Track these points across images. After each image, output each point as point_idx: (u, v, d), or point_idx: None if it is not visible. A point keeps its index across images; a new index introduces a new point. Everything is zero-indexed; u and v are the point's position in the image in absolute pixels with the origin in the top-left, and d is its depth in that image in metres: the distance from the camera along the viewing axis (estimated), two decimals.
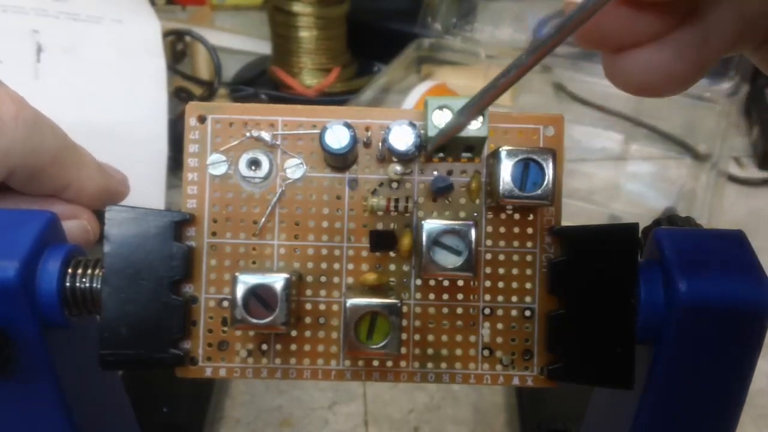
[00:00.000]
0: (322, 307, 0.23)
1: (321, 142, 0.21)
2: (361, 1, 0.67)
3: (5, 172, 0.27)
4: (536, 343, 0.23)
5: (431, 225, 0.21)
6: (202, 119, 0.23)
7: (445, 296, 0.23)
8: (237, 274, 0.21)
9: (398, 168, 0.22)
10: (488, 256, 0.23)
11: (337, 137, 0.21)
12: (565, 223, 0.23)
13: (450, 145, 0.22)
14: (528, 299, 0.23)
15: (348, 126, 0.21)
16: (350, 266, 0.23)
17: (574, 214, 0.49)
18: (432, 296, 0.23)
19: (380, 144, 0.22)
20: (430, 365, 0.23)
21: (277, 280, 0.21)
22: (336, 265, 0.23)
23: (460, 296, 0.23)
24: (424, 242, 0.21)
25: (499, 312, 0.23)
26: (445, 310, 0.23)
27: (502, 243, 0.23)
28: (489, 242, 0.23)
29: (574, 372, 0.22)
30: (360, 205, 0.23)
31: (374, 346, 0.21)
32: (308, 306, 0.23)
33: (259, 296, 0.20)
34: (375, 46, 0.68)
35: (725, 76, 0.62)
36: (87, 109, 0.46)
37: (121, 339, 0.21)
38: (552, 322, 0.22)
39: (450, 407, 0.42)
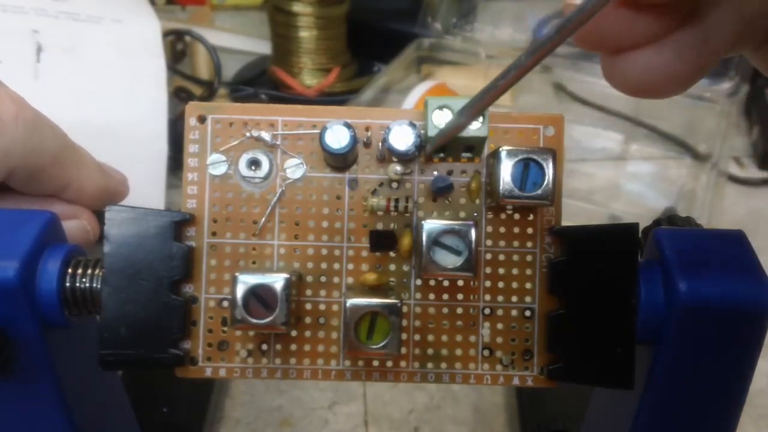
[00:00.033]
0: (322, 307, 0.23)
1: (321, 142, 0.21)
2: (361, 1, 0.67)
3: (5, 172, 0.27)
4: (536, 343, 0.23)
5: (431, 225, 0.21)
6: (202, 119, 0.23)
7: (445, 296, 0.23)
8: (237, 274, 0.21)
9: (398, 168, 0.22)
10: (488, 256, 0.23)
11: (337, 137, 0.21)
12: (565, 223, 0.23)
13: (450, 145, 0.22)
14: (528, 299, 0.23)
15: (348, 126, 0.21)
16: (350, 266, 0.23)
17: (574, 214, 0.49)
18: (432, 296, 0.23)
19: (380, 144, 0.22)
20: (430, 365, 0.23)
21: (277, 280, 0.21)
22: (336, 265, 0.23)
23: (460, 296, 0.23)
24: (424, 242, 0.21)
25: (499, 312, 0.23)
26: (445, 310, 0.23)
27: (502, 243, 0.23)
28: (489, 242, 0.23)
29: (574, 372, 0.22)
30: (360, 205, 0.23)
31: (374, 346, 0.21)
32: (308, 306, 0.23)
33: (259, 296, 0.20)
34: (375, 46, 0.68)
35: (725, 76, 0.62)
36: (87, 109, 0.46)
37: (121, 339, 0.21)
38: (552, 322, 0.22)
39: (450, 407, 0.42)
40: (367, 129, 0.23)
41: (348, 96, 0.63)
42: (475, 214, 0.23)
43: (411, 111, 0.23)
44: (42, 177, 0.28)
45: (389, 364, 0.23)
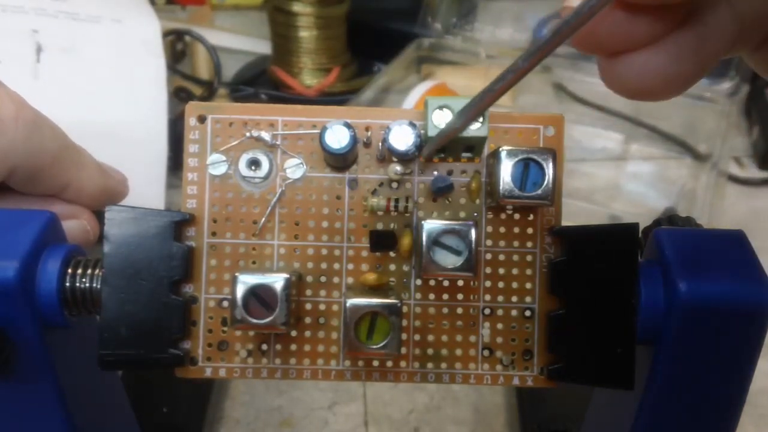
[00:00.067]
0: (322, 307, 0.23)
1: (321, 142, 0.21)
2: (361, 1, 0.67)
3: (5, 172, 0.27)
4: (536, 343, 0.23)
5: (431, 225, 0.21)
6: (202, 119, 0.23)
7: (445, 296, 0.23)
8: (237, 274, 0.21)
9: (398, 168, 0.22)
10: (488, 256, 0.23)
11: (337, 137, 0.21)
12: (565, 223, 0.23)
13: (450, 145, 0.22)
14: (528, 299, 0.23)
15: (348, 126, 0.21)
16: (350, 266, 0.23)
17: (575, 214, 0.49)
18: (432, 296, 0.23)
19: (380, 144, 0.22)
20: (430, 365, 0.23)
21: (277, 280, 0.21)
22: (336, 265, 0.23)
23: (460, 296, 0.23)
24: (424, 242, 0.21)
25: (499, 312, 0.23)
26: (445, 310, 0.23)
27: (502, 243, 0.23)
28: (489, 242, 0.23)
29: (574, 372, 0.22)
30: (360, 205, 0.23)
31: (374, 346, 0.21)
32: (308, 306, 0.23)
33: (259, 296, 0.20)
34: (375, 46, 0.68)
35: (725, 76, 0.62)
36: (87, 109, 0.46)
37: (121, 339, 0.21)
38: (552, 322, 0.22)
39: (450, 407, 0.42)
40: (367, 129, 0.23)
41: (348, 96, 0.63)
42: (475, 214, 0.23)
43: (411, 111, 0.23)
44: (42, 177, 0.28)
45: (389, 364, 0.23)
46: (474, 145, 0.22)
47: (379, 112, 0.23)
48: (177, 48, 0.67)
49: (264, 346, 0.23)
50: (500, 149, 0.21)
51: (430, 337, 0.23)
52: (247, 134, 0.23)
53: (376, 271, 0.23)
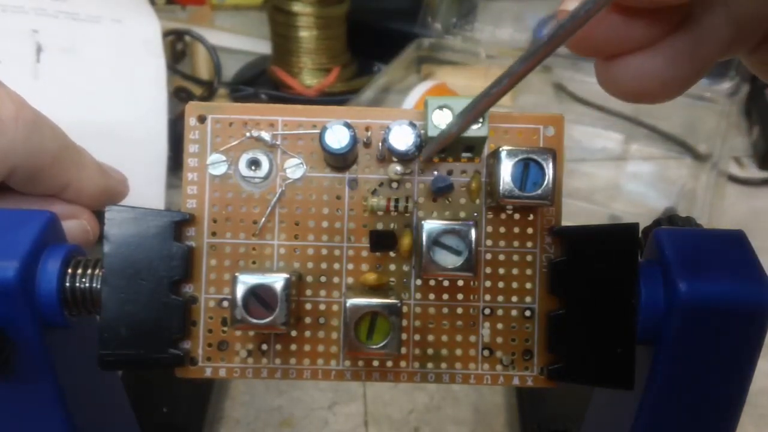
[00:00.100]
0: (322, 307, 0.23)
1: (321, 142, 0.21)
2: (361, 1, 0.67)
3: (5, 172, 0.27)
4: (536, 343, 0.23)
5: (431, 225, 0.21)
6: (201, 119, 0.23)
7: (445, 296, 0.23)
8: (237, 274, 0.21)
9: (398, 168, 0.22)
10: (488, 256, 0.23)
11: (337, 137, 0.21)
12: (565, 223, 0.23)
13: (450, 145, 0.22)
14: (528, 299, 0.23)
15: (348, 126, 0.21)
16: (350, 266, 0.23)
17: (575, 214, 0.49)
18: (432, 296, 0.23)
19: (380, 144, 0.22)
20: (430, 365, 0.23)
21: (277, 280, 0.21)
22: (336, 265, 0.23)
23: (460, 296, 0.23)
24: (424, 242, 0.21)
25: (499, 312, 0.23)
26: (445, 310, 0.23)
27: (502, 243, 0.23)
28: (489, 242, 0.23)
29: (574, 372, 0.22)
30: (360, 205, 0.23)
31: (374, 346, 0.21)
32: (308, 306, 0.23)
33: (259, 296, 0.20)
34: (375, 46, 0.68)
35: (725, 76, 0.62)
36: (87, 109, 0.46)
37: (121, 339, 0.21)
38: (552, 322, 0.22)
39: (450, 407, 0.42)
40: (367, 129, 0.23)
41: (348, 96, 0.63)
42: (475, 214, 0.23)
43: (411, 111, 0.23)
44: (42, 177, 0.28)
45: (389, 364, 0.23)
46: (474, 145, 0.22)
47: (379, 112, 0.23)
48: (177, 48, 0.67)
49: (264, 346, 0.23)
50: (500, 149, 0.21)
51: (430, 337, 0.23)
52: (247, 134, 0.23)
53: (376, 271, 0.23)
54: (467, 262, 0.21)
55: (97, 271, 0.22)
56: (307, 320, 0.23)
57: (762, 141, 0.63)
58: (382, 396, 0.42)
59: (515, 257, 0.23)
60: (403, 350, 0.22)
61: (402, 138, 0.22)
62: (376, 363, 0.23)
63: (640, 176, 0.61)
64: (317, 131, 0.22)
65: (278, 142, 0.23)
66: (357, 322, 0.21)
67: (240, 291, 0.20)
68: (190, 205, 0.23)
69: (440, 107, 0.21)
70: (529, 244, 0.23)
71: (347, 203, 0.23)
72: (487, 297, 0.23)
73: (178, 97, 0.58)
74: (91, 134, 0.32)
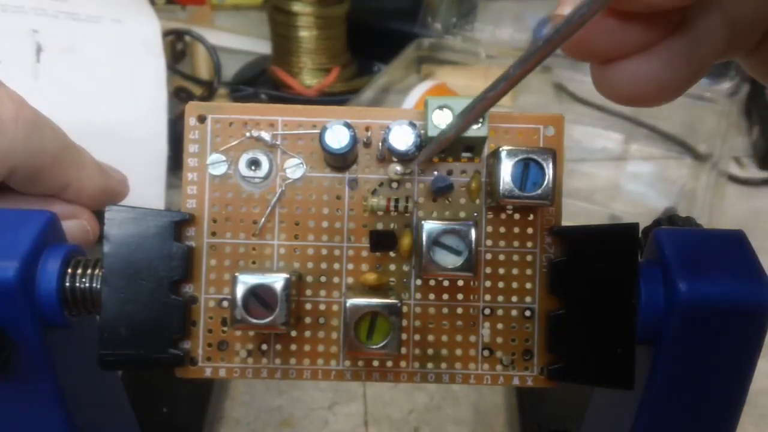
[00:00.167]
0: (322, 307, 0.23)
1: (321, 142, 0.21)
2: (361, 1, 0.67)
3: (5, 172, 0.27)
4: (536, 343, 0.23)
5: (431, 225, 0.21)
6: (201, 119, 0.23)
7: (445, 296, 0.23)
8: (237, 274, 0.21)
9: (398, 168, 0.22)
10: (488, 256, 0.23)
11: (337, 137, 0.21)
12: (565, 223, 0.23)
13: (450, 146, 0.22)
14: (528, 299, 0.23)
15: (348, 126, 0.21)
16: (350, 266, 0.23)
17: (575, 214, 0.49)
18: (432, 296, 0.23)
19: (380, 144, 0.22)
20: (430, 365, 0.23)
21: (277, 280, 0.21)
22: (336, 265, 0.23)
23: (460, 296, 0.23)
24: (424, 242, 0.21)
25: (499, 312, 0.23)
26: (445, 310, 0.23)
27: (502, 243, 0.23)
28: (489, 242, 0.23)
29: (574, 372, 0.22)
30: (360, 205, 0.23)
31: (374, 346, 0.21)
32: (308, 306, 0.23)
33: (259, 296, 0.20)
34: (375, 46, 0.68)
35: (725, 76, 0.62)
36: (87, 109, 0.46)
37: (121, 339, 0.21)
38: (552, 322, 0.22)
39: (450, 407, 0.42)
40: (367, 129, 0.23)
41: (348, 96, 0.63)
42: (475, 214, 0.23)
43: (411, 111, 0.23)
44: (42, 177, 0.28)
45: (389, 364, 0.23)
46: (474, 145, 0.22)
47: (379, 112, 0.23)
48: (177, 48, 0.67)
49: (264, 346, 0.23)
50: (500, 149, 0.21)
51: (430, 337, 0.23)
52: (247, 134, 0.23)
53: (376, 271, 0.23)
54: (467, 262, 0.21)
55: (97, 271, 0.22)
56: (307, 320, 0.23)
57: (762, 141, 0.63)
58: (382, 396, 0.42)
59: (515, 257, 0.23)
60: (403, 350, 0.22)
61: (402, 138, 0.22)
62: (376, 363, 0.23)
63: (640, 176, 0.61)
64: (317, 131, 0.22)
65: (278, 142, 0.23)
66: (357, 322, 0.21)
67: (240, 291, 0.20)
68: (190, 205, 0.23)
69: (440, 107, 0.21)
70: (529, 244, 0.23)
71: (347, 203, 0.23)
72: (487, 297, 0.23)
73: (178, 97, 0.58)
74: (91, 134, 0.32)
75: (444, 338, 0.23)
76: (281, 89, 0.65)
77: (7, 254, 0.21)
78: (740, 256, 0.21)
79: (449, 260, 0.21)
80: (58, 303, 0.21)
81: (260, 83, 0.67)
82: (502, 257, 0.23)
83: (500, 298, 0.23)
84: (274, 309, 0.20)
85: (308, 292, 0.23)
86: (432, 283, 0.23)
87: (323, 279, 0.23)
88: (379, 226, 0.23)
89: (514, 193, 0.21)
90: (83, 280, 0.22)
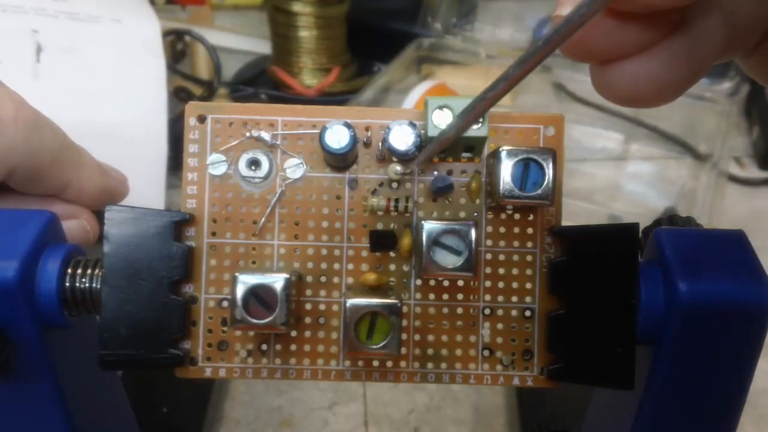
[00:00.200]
0: (322, 307, 0.23)
1: (321, 142, 0.21)
2: (361, 1, 0.67)
3: (5, 172, 0.27)
4: (536, 343, 0.23)
5: (431, 225, 0.21)
6: (201, 119, 0.23)
7: (445, 296, 0.23)
8: (237, 274, 0.21)
9: (398, 168, 0.22)
10: (488, 256, 0.23)
11: (337, 137, 0.21)
12: (565, 222, 0.23)
13: (450, 145, 0.22)
14: (528, 299, 0.23)
15: (348, 126, 0.21)
16: (350, 266, 0.23)
17: (575, 213, 0.49)
18: (432, 296, 0.23)
19: (380, 144, 0.22)
20: (430, 365, 0.23)
21: (276, 280, 0.21)
22: (336, 265, 0.23)
23: (460, 296, 0.23)
24: (424, 242, 0.21)
25: (499, 312, 0.23)
26: (445, 310, 0.23)
27: (502, 243, 0.23)
28: (489, 242, 0.23)
29: (575, 372, 0.22)
30: (360, 205, 0.23)
31: (374, 347, 0.21)
32: (308, 306, 0.23)
33: (259, 296, 0.20)
34: (375, 46, 0.68)
35: (725, 76, 0.62)
36: (87, 109, 0.46)
37: (121, 339, 0.21)
38: (552, 322, 0.22)
39: (450, 408, 0.42)
40: (367, 129, 0.23)
41: (348, 96, 0.63)
42: (475, 214, 0.23)
43: (411, 111, 0.23)
44: (42, 177, 0.28)
45: (389, 364, 0.23)
46: (474, 145, 0.22)
47: (379, 112, 0.23)
48: (177, 48, 0.67)
49: (264, 346, 0.23)
50: (500, 149, 0.21)
51: (430, 337, 0.23)
52: (247, 134, 0.23)
53: (376, 271, 0.23)
54: (467, 262, 0.21)
55: (97, 271, 0.22)
56: (307, 320, 0.23)
57: (762, 141, 0.63)
58: (382, 396, 0.42)
59: (515, 257, 0.23)
60: (403, 350, 0.22)
61: (402, 138, 0.22)
62: (376, 363, 0.23)
63: (640, 176, 0.61)
64: (317, 131, 0.22)
65: (278, 142, 0.23)
66: (357, 322, 0.21)
67: (240, 291, 0.20)
68: (190, 205, 0.23)
69: (440, 107, 0.21)
70: (529, 244, 0.23)
71: (347, 203, 0.23)
72: (487, 297, 0.23)
73: (178, 97, 0.58)
74: (91, 134, 0.32)
75: (444, 338, 0.23)
76: (281, 89, 0.65)
77: (7, 254, 0.21)
78: (740, 256, 0.21)
79: (449, 260, 0.21)
80: (58, 303, 0.21)
81: (260, 83, 0.67)
82: (502, 257, 0.23)
83: (500, 298, 0.23)
84: (274, 309, 0.20)
85: (308, 292, 0.23)
86: (432, 283, 0.23)
87: (323, 279, 0.23)
88: (379, 226, 0.23)
89: (514, 193, 0.21)
90: (83, 280, 0.22)
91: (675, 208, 0.54)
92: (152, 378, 0.38)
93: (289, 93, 0.64)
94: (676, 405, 0.22)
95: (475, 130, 0.21)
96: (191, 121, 0.23)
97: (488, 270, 0.23)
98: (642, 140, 0.63)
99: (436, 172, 0.23)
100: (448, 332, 0.23)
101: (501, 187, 0.21)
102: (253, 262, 0.23)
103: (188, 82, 0.63)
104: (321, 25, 0.64)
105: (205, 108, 0.23)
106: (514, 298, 0.23)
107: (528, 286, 0.23)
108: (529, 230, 0.23)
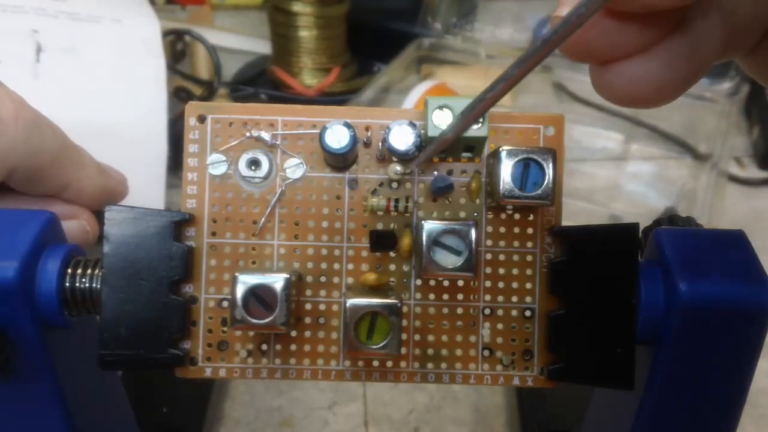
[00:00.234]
0: (322, 307, 0.23)
1: (321, 142, 0.21)
2: (361, 1, 0.67)
3: (5, 172, 0.27)
4: (536, 343, 0.23)
5: (431, 225, 0.21)
6: (201, 119, 0.23)
7: (445, 296, 0.23)
8: (237, 274, 0.21)
9: (398, 168, 0.22)
10: (488, 256, 0.23)
11: (337, 137, 0.21)
12: (565, 222, 0.23)
13: (450, 146, 0.22)
14: (528, 299, 0.23)
15: (348, 126, 0.21)
16: (350, 266, 0.23)
17: (575, 213, 0.49)
18: (432, 296, 0.23)
19: (380, 144, 0.22)
20: (430, 365, 0.23)
21: (276, 280, 0.21)
22: (336, 265, 0.23)
23: (460, 296, 0.23)
24: (424, 242, 0.21)
25: (500, 312, 0.23)
26: (445, 310, 0.23)
27: (502, 243, 0.23)
28: (489, 242, 0.23)
29: (575, 372, 0.22)
30: (360, 205, 0.23)
31: (374, 347, 0.21)
32: (308, 306, 0.23)
33: (259, 296, 0.20)
34: (375, 46, 0.68)
35: (725, 76, 0.62)
36: (87, 109, 0.46)
37: (121, 339, 0.21)
38: (552, 322, 0.22)
39: (450, 408, 0.42)
40: (367, 129, 0.23)
41: (348, 96, 0.63)
42: (475, 214, 0.23)
43: (411, 111, 0.23)
44: (42, 177, 0.28)
45: (389, 364, 0.23)
46: (474, 145, 0.22)
47: (379, 112, 0.23)
48: (177, 48, 0.67)
49: (264, 346, 0.23)
50: (500, 149, 0.21)
51: (430, 337, 0.23)
52: (247, 134, 0.23)
53: (376, 271, 0.23)
54: (467, 262, 0.21)
55: (96, 271, 0.22)
56: (307, 320, 0.23)
57: (762, 141, 0.63)
58: (382, 396, 0.42)
59: (515, 257, 0.23)
60: (403, 350, 0.22)
61: (402, 138, 0.22)
62: (376, 363, 0.23)
63: (640, 176, 0.61)
64: (317, 131, 0.22)
65: (278, 142, 0.23)
66: (357, 322, 0.21)
67: (240, 291, 0.20)
68: (190, 205, 0.23)
69: (440, 107, 0.21)
70: (529, 244, 0.23)
71: (347, 203, 0.23)
72: (487, 297, 0.23)
73: (178, 97, 0.58)
74: (91, 134, 0.32)
75: (444, 338, 0.23)
76: (281, 89, 0.65)
77: (7, 254, 0.21)
78: (740, 256, 0.21)
79: (449, 260, 0.21)
80: (58, 303, 0.21)
81: (260, 83, 0.67)
82: (502, 257, 0.23)
83: (500, 298, 0.23)
84: (274, 309, 0.20)
85: (308, 292, 0.23)
86: (432, 283, 0.23)
87: (323, 279, 0.23)
88: (379, 226, 0.23)
89: (514, 193, 0.21)
90: (83, 280, 0.22)
91: (675, 208, 0.54)
92: (152, 378, 0.38)
93: (289, 93, 0.64)
94: (676, 405, 0.22)
95: (475, 130, 0.21)
96: (191, 121, 0.23)
97: (488, 270, 0.23)
98: (642, 140, 0.63)
99: (436, 172, 0.23)
100: (448, 332, 0.23)
101: (501, 187, 0.21)
102: (253, 262, 0.23)
103: (188, 82, 0.63)
104: (321, 25, 0.64)
105: (205, 108, 0.23)
106: (514, 298, 0.23)
107: (528, 286, 0.23)
108: (529, 230, 0.23)
